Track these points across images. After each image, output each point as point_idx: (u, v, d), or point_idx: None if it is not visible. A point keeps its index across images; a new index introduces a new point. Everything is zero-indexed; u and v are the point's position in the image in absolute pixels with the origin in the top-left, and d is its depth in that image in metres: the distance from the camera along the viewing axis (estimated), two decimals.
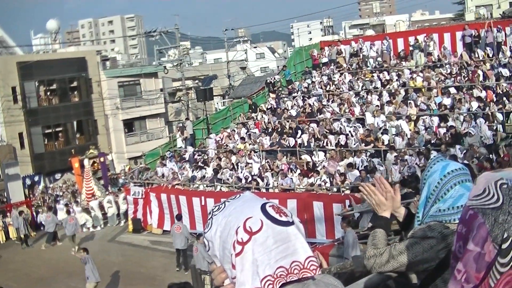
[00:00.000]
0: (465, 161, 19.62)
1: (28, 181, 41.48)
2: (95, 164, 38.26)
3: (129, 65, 62.62)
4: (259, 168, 26.18)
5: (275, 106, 33.04)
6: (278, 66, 61.16)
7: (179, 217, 24.67)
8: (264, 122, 31.07)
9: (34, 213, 34.33)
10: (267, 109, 33.02)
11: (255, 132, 30.29)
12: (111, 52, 75.98)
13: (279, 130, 29.51)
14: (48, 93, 48.10)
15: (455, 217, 2.96)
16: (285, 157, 26.77)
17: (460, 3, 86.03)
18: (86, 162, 35.47)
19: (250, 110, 34.25)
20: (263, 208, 1.88)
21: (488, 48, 30.65)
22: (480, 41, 31.83)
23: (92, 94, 49.68)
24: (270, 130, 30.06)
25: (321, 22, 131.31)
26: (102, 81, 50.09)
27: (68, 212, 30.28)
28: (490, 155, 20.26)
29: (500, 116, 24.14)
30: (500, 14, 42.92)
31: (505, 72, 27.77)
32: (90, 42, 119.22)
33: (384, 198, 3.33)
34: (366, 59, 34.91)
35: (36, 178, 42.96)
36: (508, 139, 22.15)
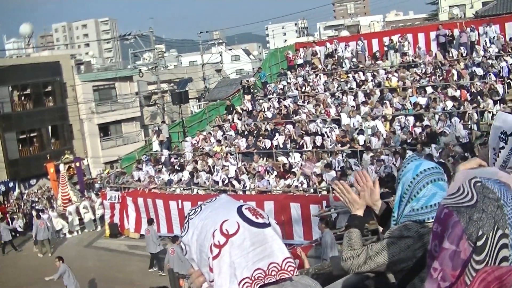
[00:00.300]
0: (441, 160, 19.78)
1: (2, 188, 40.99)
2: (71, 169, 37.89)
3: (103, 69, 62.24)
4: (235, 171, 26.18)
5: (250, 108, 33.04)
6: (253, 68, 61.08)
7: (150, 221, 24.71)
8: (238, 125, 31.15)
9: (9, 220, 33.91)
10: (243, 111, 33.03)
11: (231, 135, 30.27)
12: (86, 56, 75.41)
13: (255, 132, 29.52)
14: (22, 98, 47.54)
15: (428, 216, 2.97)
16: (261, 159, 26.81)
17: (433, 3, 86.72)
18: (61, 167, 35.14)
19: (227, 112, 34.24)
20: (239, 210, 1.89)
21: (462, 48, 30.97)
22: (454, 41, 32.16)
23: (66, 99, 49.24)
24: (246, 132, 30.06)
25: (296, 24, 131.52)
26: (76, 85, 49.77)
27: (38, 216, 30.00)
28: (466, 154, 20.41)
29: (474, 115, 24.37)
30: (473, 14, 43.48)
31: (479, 71, 28.05)
32: (64, 46, 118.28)
33: (357, 196, 3.33)
34: (341, 60, 35.05)
35: (11, 184, 42.41)
36: (482, 138, 22.33)
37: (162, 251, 23.70)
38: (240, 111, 33.05)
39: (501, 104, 24.74)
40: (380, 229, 3.41)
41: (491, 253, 1.55)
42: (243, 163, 26.97)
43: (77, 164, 38.46)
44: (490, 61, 28.68)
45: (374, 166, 22.30)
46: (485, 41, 30.93)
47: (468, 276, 1.55)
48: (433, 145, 22.16)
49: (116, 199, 29.42)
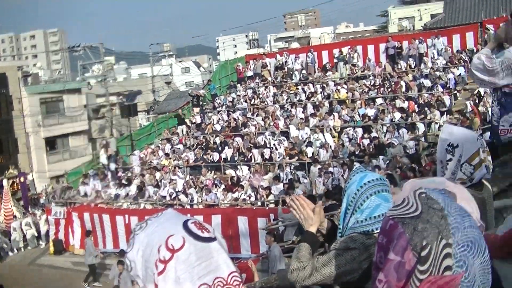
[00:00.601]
0: (388, 171, 20.02)
1: None
2: (15, 185, 37.08)
3: (51, 81, 61.48)
4: (183, 184, 26.02)
5: (199, 121, 32.97)
6: (203, 80, 61.05)
7: (87, 233, 24.49)
8: (185, 137, 31.14)
9: None
10: (192, 123, 32.96)
11: (179, 148, 30.14)
12: (33, 67, 74.32)
13: (203, 145, 29.48)
14: None
15: (373, 227, 3.00)
16: (209, 172, 26.75)
17: (383, 16, 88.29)
18: (5, 182, 34.25)
19: (179, 123, 34.10)
20: (185, 225, 1.87)
21: (410, 59, 31.55)
22: (403, 53, 32.77)
23: (12, 111, 48.30)
24: (194, 145, 29.99)
25: (246, 36, 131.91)
26: (23, 98, 48.83)
27: None
28: (413, 165, 20.68)
29: (422, 126, 24.77)
30: (422, 26, 44.38)
31: (427, 82, 28.56)
32: (10, 57, 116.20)
33: (312, 212, 3.34)
34: (291, 72, 35.27)
35: None
36: (429, 149, 22.66)
37: (99, 264, 23.67)
38: (189, 124, 32.97)
39: (448, 115, 25.21)
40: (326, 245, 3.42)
41: (435, 263, 1.58)
42: (191, 177, 26.88)
43: (22, 179, 37.67)
44: (437, 73, 29.27)
45: (322, 178, 22.40)
46: (433, 53, 31.60)
47: (413, 286, 1.56)
48: (381, 157, 22.33)
49: (61, 214, 28.87)
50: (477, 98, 24.81)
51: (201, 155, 28.17)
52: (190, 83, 75.44)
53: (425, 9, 66.65)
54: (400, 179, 18.85)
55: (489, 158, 3.94)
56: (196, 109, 34.63)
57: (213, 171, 27.08)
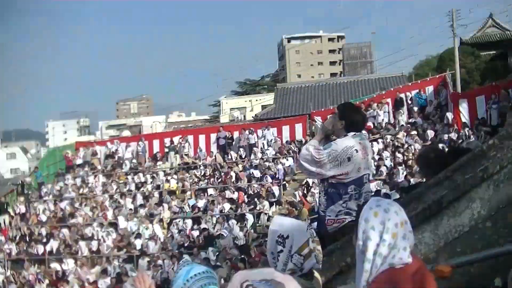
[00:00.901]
0: (218, 263, 20.07)
1: None
2: None
3: None
4: (3, 280, 24.77)
5: (24, 211, 31.60)
6: (30, 167, 59.23)
7: None
8: (8, 228, 29.62)
9: None
10: (16, 214, 31.52)
11: (0, 240, 28.69)
12: None
13: (27, 236, 28.25)
14: None
15: None
16: (32, 266, 25.68)
17: (215, 105, 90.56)
18: None
19: (1, 212, 32.40)
20: None
21: (241, 150, 32.14)
22: (234, 143, 33.38)
23: None
24: (17, 237, 28.64)
25: (77, 122, 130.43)
26: None
27: None
28: (242, 256, 20.87)
29: (251, 217, 25.09)
30: (252, 117, 45.87)
31: (257, 173, 29.09)
32: None
33: None
34: (121, 161, 34.87)
35: None
36: (259, 239, 23.04)
37: None
38: (13, 214, 31.53)
39: (277, 206, 25.83)
40: None
41: None
42: (12, 272, 25.61)
43: None
44: (267, 164, 29.81)
45: (151, 272, 22.09)
46: (263, 143, 32.33)
47: None
48: (210, 248, 22.45)
49: None
50: (305, 189, 25.65)
51: (25, 248, 27.09)
52: (15, 170, 73.05)
53: (256, 100, 69.12)
54: (230, 270, 18.96)
55: (319, 247, 3.97)
56: (21, 198, 33.25)
57: (36, 265, 26.02)
